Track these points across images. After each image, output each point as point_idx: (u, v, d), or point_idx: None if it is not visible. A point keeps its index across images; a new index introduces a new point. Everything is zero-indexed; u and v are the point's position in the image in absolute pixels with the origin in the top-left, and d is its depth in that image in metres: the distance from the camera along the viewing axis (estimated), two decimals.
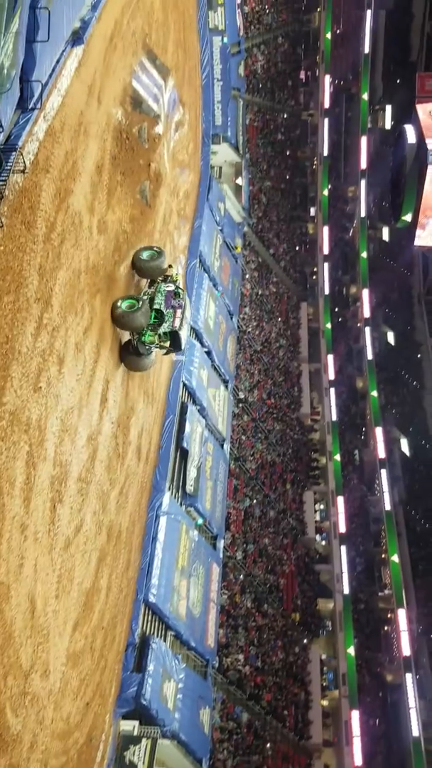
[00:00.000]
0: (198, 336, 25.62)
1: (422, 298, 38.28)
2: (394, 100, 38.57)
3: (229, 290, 32.03)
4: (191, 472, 21.43)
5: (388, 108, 39.40)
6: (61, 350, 11.58)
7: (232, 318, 31.83)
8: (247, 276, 38.95)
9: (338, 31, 43.22)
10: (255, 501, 30.89)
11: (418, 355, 38.43)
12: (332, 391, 39.97)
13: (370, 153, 40.95)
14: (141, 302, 14.70)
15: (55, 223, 11.13)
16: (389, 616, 33.56)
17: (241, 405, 32.46)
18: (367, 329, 41.04)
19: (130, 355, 15.42)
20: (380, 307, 42.60)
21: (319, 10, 42.65)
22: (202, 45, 28.75)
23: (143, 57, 17.51)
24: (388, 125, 39.52)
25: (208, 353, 26.47)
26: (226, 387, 28.32)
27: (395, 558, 33.14)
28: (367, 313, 41.52)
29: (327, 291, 43.71)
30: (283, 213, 46.97)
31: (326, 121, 43.62)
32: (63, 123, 11.43)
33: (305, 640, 31.34)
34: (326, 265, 44.09)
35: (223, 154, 34.48)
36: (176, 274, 17.50)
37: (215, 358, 27.16)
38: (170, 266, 16.83)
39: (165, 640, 18.54)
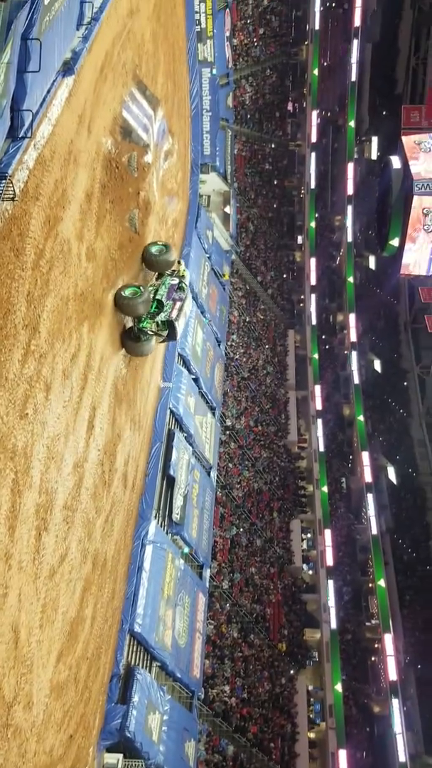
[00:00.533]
0: (185, 363, 25.62)
1: (408, 326, 38.56)
2: (380, 131, 39.22)
3: (216, 317, 32.16)
4: (178, 500, 21.27)
5: (375, 139, 40.04)
6: (48, 377, 11.52)
7: (219, 345, 31.92)
8: (234, 303, 39.17)
9: (325, 64, 44.05)
10: (242, 529, 30.68)
11: (405, 383, 38.61)
12: (320, 421, 39.87)
13: (356, 180, 41.52)
14: (143, 291, 15.74)
15: (44, 250, 11.14)
16: (376, 646, 33.26)
17: (228, 432, 32.39)
18: (354, 354, 41.25)
19: (130, 340, 16.28)
20: (367, 335, 42.89)
21: (306, 43, 43.50)
22: (191, 76, 29.21)
23: (133, 88, 17.73)
24: (374, 156, 40.15)
25: (196, 380, 26.46)
26: (214, 414, 28.27)
27: (381, 582, 32.93)
28: (354, 339, 41.76)
29: (314, 321, 43.89)
30: (270, 241, 47.44)
31: (313, 155, 44.28)
32: (53, 151, 11.50)
33: (292, 671, 30.95)
34: (313, 296, 44.39)
35: (212, 183, 34.88)
36: (183, 269, 18.34)
37: (203, 385, 27.15)
38: (179, 262, 18.03)
39: (150, 671, 18.24)
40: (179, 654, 19.86)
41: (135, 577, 17.76)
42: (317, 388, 41.18)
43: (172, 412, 22.73)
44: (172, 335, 17.17)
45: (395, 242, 26.88)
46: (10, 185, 9.31)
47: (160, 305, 16.63)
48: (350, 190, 41.49)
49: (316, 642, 33.55)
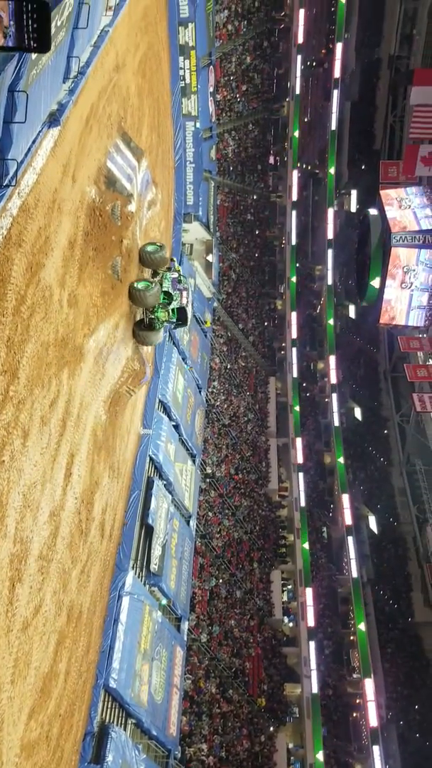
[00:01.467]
0: (166, 409, 25.53)
1: (388, 374, 38.91)
2: (359, 185, 40.21)
3: (198, 364, 32.23)
4: (156, 550, 20.89)
5: (354, 192, 41.02)
6: (26, 423, 11.37)
7: (200, 392, 31.91)
8: (216, 350, 39.34)
9: (306, 120, 45.30)
10: (221, 580, 30.14)
11: (385, 431, 38.72)
12: (301, 475, 39.54)
13: (336, 225, 42.31)
14: (154, 284, 18.18)
15: (25, 296, 11.12)
16: (358, 701, 32.50)
17: (208, 480, 32.12)
18: (334, 396, 41.35)
19: (143, 330, 18.62)
20: (347, 383, 43.16)
21: (288, 100, 44.80)
22: (175, 129, 29.91)
23: (118, 139, 18.06)
24: (353, 208, 41.06)
25: (176, 427, 26.32)
26: (194, 461, 28.07)
27: (362, 626, 32.37)
28: (334, 382, 41.95)
29: (296, 373, 43.98)
30: (252, 289, 47.98)
31: (294, 213, 45.17)
32: (37, 200, 11.59)
33: (271, 728, 30.06)
34: (294, 349, 44.64)
35: (194, 232, 35.40)
36: (178, 266, 20.77)
37: (183, 431, 27.01)
38: (172, 259, 20.45)
39: (125, 729, 17.63)
40: (155, 710, 19.24)
41: (111, 629, 17.30)
42: (299, 441, 40.97)
43: (151, 459, 22.52)
44: (183, 320, 19.64)
45: (375, 283, 27.35)
46: None
47: (167, 296, 18.98)
48: (330, 235, 42.27)
49: (296, 697, 32.72)
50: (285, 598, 36.06)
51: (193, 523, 26.43)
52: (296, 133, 43.58)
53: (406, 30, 34.56)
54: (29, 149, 10.86)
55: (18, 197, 10.76)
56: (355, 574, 34.49)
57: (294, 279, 45.29)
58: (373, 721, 29.54)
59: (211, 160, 38.31)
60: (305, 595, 34.02)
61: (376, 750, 28.89)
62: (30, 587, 11.79)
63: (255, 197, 47.63)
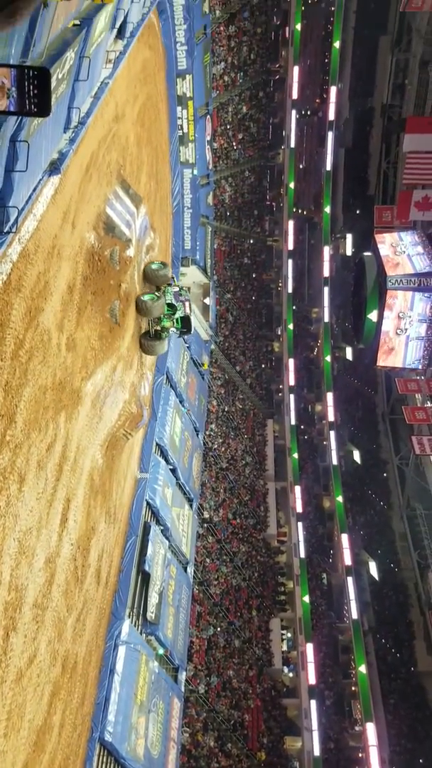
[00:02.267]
0: (163, 453, 25.34)
1: (386, 416, 38.87)
2: (353, 229, 40.83)
3: (195, 406, 32.14)
4: (153, 598, 20.47)
5: (349, 236, 41.63)
6: (23, 468, 11.26)
7: (198, 434, 31.74)
8: (213, 392, 39.30)
9: (301, 166, 46.23)
10: (219, 629, 29.47)
11: (384, 474, 38.48)
12: (300, 525, 38.93)
13: (332, 263, 42.72)
14: (159, 296, 20.37)
15: (24, 340, 11.13)
16: (360, 755, 31.51)
17: (206, 525, 31.70)
18: (332, 435, 41.07)
19: (149, 340, 20.74)
20: (346, 426, 43.04)
21: (283, 147, 45.74)
22: (173, 176, 30.44)
23: (117, 186, 18.34)
24: (349, 252, 41.62)
25: (173, 470, 26.09)
26: (191, 506, 27.75)
27: (362, 669, 31.54)
28: (332, 420, 41.74)
29: (293, 420, 43.78)
30: (249, 332, 48.21)
31: (290, 261, 45.71)
32: (37, 245, 11.70)
33: None
34: (292, 396, 44.62)
35: (192, 276, 35.74)
36: (177, 282, 23.65)
37: (180, 475, 26.75)
38: (173, 277, 23.10)
39: None
40: (152, 765, 18.59)
41: (106, 680, 16.83)
42: (297, 489, 40.46)
43: (148, 503, 22.25)
44: (188, 328, 21.98)
45: (373, 316, 27.44)
46: None
47: (171, 307, 21.19)
48: (326, 272, 42.64)
49: (297, 751, 31.73)
50: (284, 647, 35.23)
51: (190, 569, 26.00)
52: (291, 185, 44.38)
53: (398, 80, 35.61)
54: (30, 197, 10.99)
55: (18, 243, 10.87)
56: (355, 615, 33.79)
57: (291, 326, 45.49)
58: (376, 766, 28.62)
59: (208, 205, 38.92)
60: (306, 651, 33.16)
61: None
62: (24, 636, 11.52)
63: (251, 241, 48.26)
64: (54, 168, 12.16)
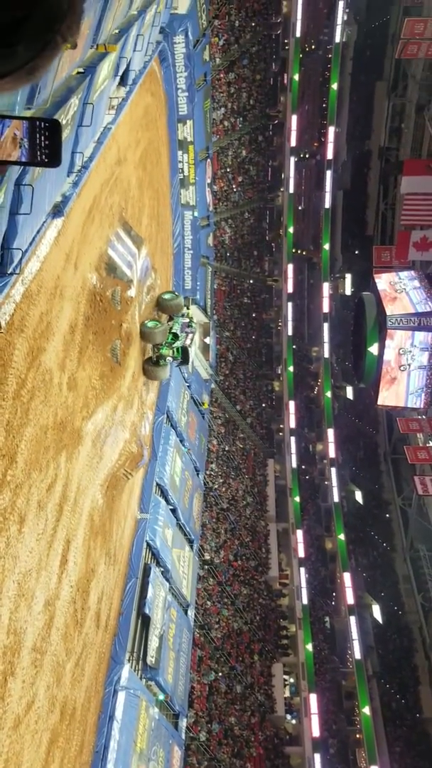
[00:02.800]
0: (163, 493, 25.14)
1: (388, 456, 38.66)
2: (353, 269, 41.24)
3: (195, 446, 32.01)
4: (153, 642, 20.07)
5: (348, 276, 42.03)
6: (23, 508, 11.16)
7: (198, 474, 31.54)
8: (214, 432, 39.19)
9: (300, 208, 46.91)
10: (221, 674, 28.84)
11: (387, 515, 38.09)
12: (303, 570, 38.47)
13: (331, 300, 42.96)
14: (162, 324, 21.33)
15: (25, 379, 11.14)
16: None
17: (206, 567, 31.28)
18: (333, 471, 40.74)
19: (151, 366, 21.45)
20: (347, 465, 42.78)
21: (282, 190, 46.49)
22: (174, 218, 30.89)
23: (119, 228, 18.58)
24: (348, 291, 41.96)
25: (174, 511, 25.85)
26: (192, 547, 27.43)
27: (366, 710, 30.72)
28: (332, 456, 41.47)
29: (295, 463, 43.52)
30: (249, 371, 48.31)
31: (290, 305, 46.11)
32: (40, 286, 11.80)
33: None
34: (293, 438, 44.48)
35: (192, 315, 35.91)
36: (190, 312, 24.48)
37: (181, 516, 26.49)
38: (187, 307, 24.14)
39: None
40: None
41: (106, 727, 16.39)
42: (300, 534, 39.93)
43: (148, 545, 21.97)
44: (185, 359, 22.96)
45: (374, 349, 27.47)
46: None
47: (174, 336, 22.08)
48: (326, 308, 42.87)
49: None
50: (287, 693, 34.44)
51: (191, 612, 25.57)
52: (291, 229, 45.01)
53: (394, 124, 36.37)
54: (34, 239, 11.13)
55: (21, 284, 10.97)
56: (358, 656, 33.10)
57: (291, 369, 45.58)
58: None
59: (209, 246, 39.40)
60: (309, 701, 32.35)
61: None
62: (23, 681, 11.28)
63: (251, 281, 48.70)
64: (57, 211, 12.35)
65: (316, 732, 31.23)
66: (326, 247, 42.33)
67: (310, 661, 33.47)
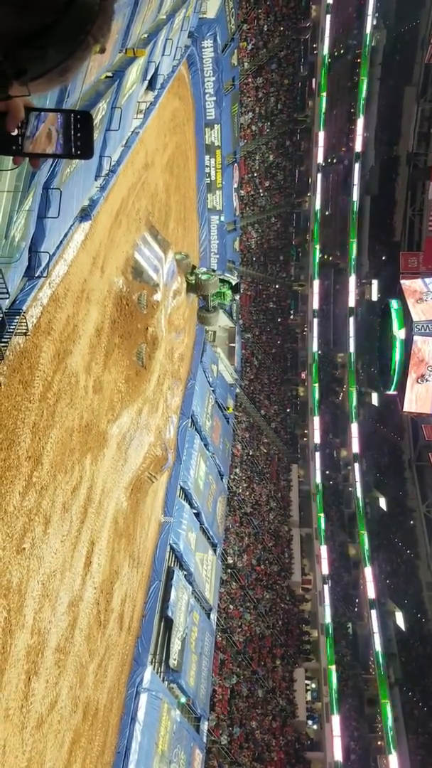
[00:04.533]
0: (187, 496, 25.19)
1: (413, 463, 38.20)
2: (379, 275, 40.91)
3: (219, 450, 32.03)
4: (175, 645, 20.10)
5: (375, 282, 41.70)
6: (48, 510, 11.24)
7: (222, 479, 31.55)
8: (238, 436, 39.17)
9: (327, 213, 46.75)
10: (242, 678, 28.79)
11: (411, 522, 37.66)
12: (326, 587, 38.07)
13: (357, 296, 42.68)
14: (214, 276, 22.92)
15: (52, 382, 11.24)
16: None
17: (229, 571, 31.24)
18: (357, 467, 40.33)
19: (204, 312, 23.84)
20: (371, 472, 42.41)
21: (309, 194, 46.39)
22: (201, 222, 30.99)
23: (146, 232, 18.68)
24: (374, 297, 41.65)
25: (197, 515, 25.88)
26: (215, 551, 27.43)
27: (388, 707, 30.36)
28: (356, 451, 41.15)
29: (319, 478, 43.17)
30: (274, 376, 48.23)
31: (316, 322, 46.05)
32: (67, 289, 11.90)
33: None
34: (318, 457, 44.24)
35: (218, 320, 35.97)
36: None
37: (204, 520, 26.52)
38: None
39: None
40: None
41: (128, 729, 16.45)
42: (323, 550, 39.45)
43: (172, 548, 22.03)
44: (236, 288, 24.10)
45: (398, 361, 27.28)
46: (24, 320, 9.55)
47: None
48: (351, 302, 42.58)
49: None
50: (309, 698, 34.27)
51: (213, 616, 25.56)
52: (317, 248, 44.95)
53: (423, 129, 36.01)
54: (61, 242, 11.25)
55: (49, 287, 11.07)
56: (378, 646, 32.66)
57: (317, 396, 45.29)
58: None
59: (235, 251, 39.45)
60: (332, 724, 32.03)
61: None
62: (46, 681, 11.35)
63: (277, 286, 48.65)
64: (85, 214, 12.46)
65: (338, 755, 30.98)
66: (353, 241, 41.83)
67: (332, 682, 33.05)
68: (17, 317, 9.36)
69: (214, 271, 24.57)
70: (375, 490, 41.46)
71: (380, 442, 42.49)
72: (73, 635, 12.70)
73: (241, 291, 25.76)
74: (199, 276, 22.45)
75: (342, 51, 42.76)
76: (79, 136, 1.56)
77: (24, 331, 9.72)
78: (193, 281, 22.80)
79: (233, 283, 23.74)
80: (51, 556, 11.39)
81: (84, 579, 13.28)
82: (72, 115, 1.56)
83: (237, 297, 26.19)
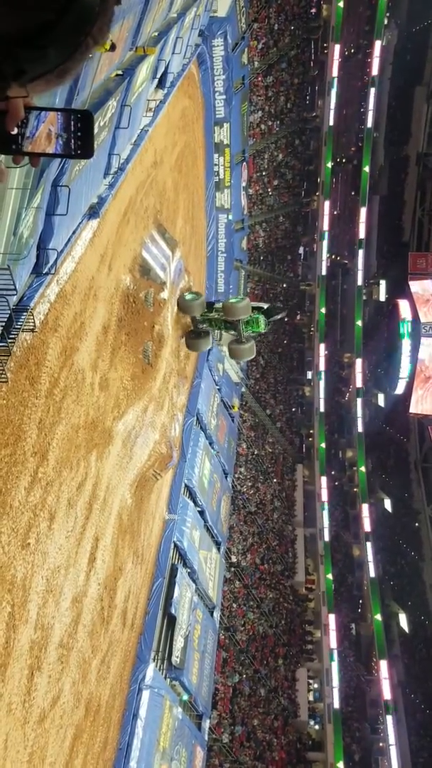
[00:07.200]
0: (192, 494, 25.21)
1: (419, 464, 38.19)
2: (387, 275, 40.88)
3: (224, 449, 32.03)
4: (178, 642, 20.14)
5: (383, 282, 41.66)
6: (53, 505, 11.30)
7: (227, 477, 31.56)
8: (243, 435, 39.17)
9: (336, 213, 46.69)
10: (245, 676, 28.83)
11: (416, 524, 37.64)
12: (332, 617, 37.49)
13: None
14: (200, 297, 20.99)
15: (58, 379, 11.29)
16: None
17: (233, 569, 31.27)
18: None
19: (237, 344, 20.63)
20: (377, 473, 42.39)
21: (318, 194, 46.34)
22: (208, 221, 30.96)
23: (154, 230, 18.71)
24: (382, 298, 41.60)
25: (202, 513, 25.90)
26: (219, 549, 27.45)
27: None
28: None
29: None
30: (280, 375, 48.21)
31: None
32: (74, 287, 11.95)
33: None
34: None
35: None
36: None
37: (208, 518, 26.54)
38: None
39: None
40: None
41: (129, 725, 16.49)
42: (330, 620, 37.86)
43: (176, 545, 22.06)
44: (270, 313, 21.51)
45: (405, 361, 27.22)
46: (31, 317, 9.60)
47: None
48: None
49: None
50: (311, 698, 34.29)
51: (216, 614, 25.59)
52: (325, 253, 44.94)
53: None
54: (69, 239, 11.29)
55: (56, 284, 11.12)
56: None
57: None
58: None
59: (242, 250, 39.41)
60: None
61: None
62: (49, 677, 11.41)
63: (284, 285, 48.62)
64: (93, 212, 12.49)
65: None
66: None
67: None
68: (25, 314, 9.41)
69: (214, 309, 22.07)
70: (380, 492, 41.45)
71: (386, 444, 42.48)
72: (77, 631, 12.76)
73: (280, 316, 23.44)
74: (228, 300, 20.38)
75: (353, 51, 42.71)
76: (79, 136, 1.57)
77: (31, 327, 9.78)
78: (216, 315, 20.96)
79: (264, 307, 21.45)
80: (55, 552, 11.45)
81: (88, 575, 13.34)
82: (72, 114, 1.57)
83: (276, 319, 23.13)
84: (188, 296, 21.05)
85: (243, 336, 20.45)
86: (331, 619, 35.94)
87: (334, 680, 32.99)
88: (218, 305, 21.41)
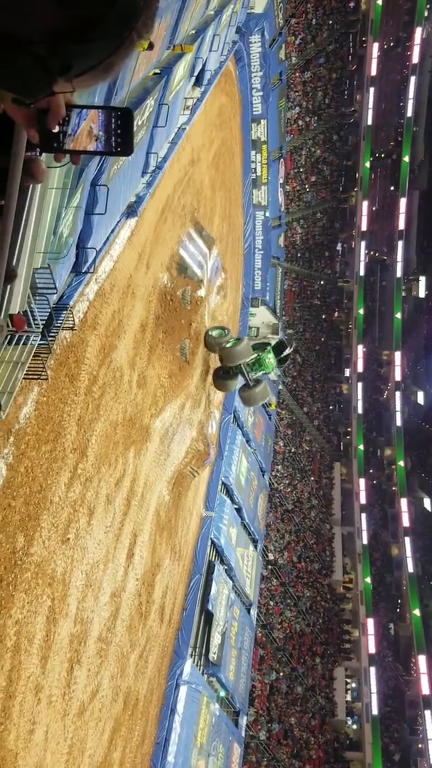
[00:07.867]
0: (229, 492, 25.25)
1: None
2: (427, 271, 40.29)
3: (261, 447, 31.99)
4: (215, 638, 20.21)
5: (422, 279, 41.06)
6: (92, 501, 11.45)
7: (264, 475, 31.51)
8: (280, 433, 39.07)
9: (374, 209, 46.14)
10: (282, 674, 28.77)
11: None
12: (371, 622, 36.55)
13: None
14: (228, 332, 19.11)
15: (97, 376, 11.43)
16: None
17: (270, 567, 31.23)
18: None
19: (246, 390, 19.15)
20: (416, 472, 41.82)
21: (356, 189, 45.88)
22: (245, 218, 30.94)
23: (191, 228, 18.77)
24: (422, 294, 41.01)
25: (239, 510, 25.92)
26: (256, 547, 27.45)
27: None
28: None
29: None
30: (317, 373, 47.91)
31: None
32: (113, 285, 12.07)
33: None
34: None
35: (261, 316, 35.90)
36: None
37: (245, 515, 26.55)
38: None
39: None
40: None
41: (167, 720, 16.63)
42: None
43: (213, 542, 22.13)
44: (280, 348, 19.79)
45: None
46: (71, 315, 9.73)
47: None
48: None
49: None
50: (349, 698, 34.05)
51: (253, 611, 25.60)
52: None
53: None
54: (108, 238, 11.41)
55: (95, 283, 11.26)
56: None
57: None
58: None
59: (280, 247, 39.29)
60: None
61: None
62: (88, 670, 11.57)
63: (322, 282, 48.29)
64: (131, 211, 12.60)
65: None
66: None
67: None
68: (64, 312, 9.54)
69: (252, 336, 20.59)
70: (419, 491, 40.91)
71: (425, 442, 41.87)
72: (115, 625, 12.91)
73: (292, 348, 21.02)
74: (224, 346, 18.16)
75: (392, 44, 42.14)
76: (119, 133, 1.60)
77: (71, 325, 9.92)
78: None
79: (272, 343, 19.42)
80: (94, 547, 11.60)
81: (126, 570, 13.47)
82: (113, 112, 1.60)
83: (289, 353, 20.61)
84: (214, 332, 18.97)
85: (250, 380, 18.67)
86: (370, 623, 35.61)
87: (372, 682, 32.65)
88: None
